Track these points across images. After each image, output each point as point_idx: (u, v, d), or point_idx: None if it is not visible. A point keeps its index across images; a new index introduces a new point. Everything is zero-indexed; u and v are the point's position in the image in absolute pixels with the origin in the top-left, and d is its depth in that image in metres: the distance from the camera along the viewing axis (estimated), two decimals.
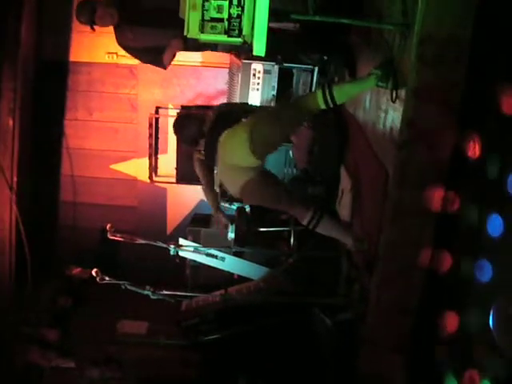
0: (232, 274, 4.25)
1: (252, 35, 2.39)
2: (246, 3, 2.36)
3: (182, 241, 4.02)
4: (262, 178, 2.96)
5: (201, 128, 3.17)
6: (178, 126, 3.37)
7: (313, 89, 4.05)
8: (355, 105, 3.48)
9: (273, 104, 4.09)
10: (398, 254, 2.67)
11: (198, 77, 4.93)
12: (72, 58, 4.92)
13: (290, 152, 4.12)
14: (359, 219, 3.28)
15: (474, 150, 2.33)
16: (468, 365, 2.28)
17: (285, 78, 4.07)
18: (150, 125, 4.61)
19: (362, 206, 3.25)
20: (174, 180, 4.62)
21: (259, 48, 2.40)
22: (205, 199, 3.93)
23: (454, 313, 2.47)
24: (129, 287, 3.24)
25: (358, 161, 3.42)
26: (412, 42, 2.33)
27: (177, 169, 4.53)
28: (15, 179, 4.45)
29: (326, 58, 3.89)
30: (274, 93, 4.09)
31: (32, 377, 4.03)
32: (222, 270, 4.15)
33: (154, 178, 4.75)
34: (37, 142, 4.88)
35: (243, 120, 2.95)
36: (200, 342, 3.93)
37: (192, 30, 2.41)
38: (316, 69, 4.02)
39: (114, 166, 5.21)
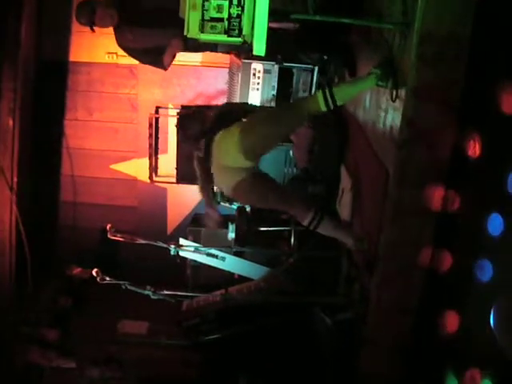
0: (232, 273, 4.26)
1: (252, 35, 2.39)
2: (245, 3, 2.36)
3: (182, 241, 4.03)
4: (255, 179, 2.94)
5: (203, 127, 3.17)
6: (182, 125, 3.36)
7: (313, 88, 4.06)
8: (355, 104, 3.48)
9: (273, 104, 4.09)
10: (397, 253, 2.67)
11: (198, 77, 4.93)
12: (72, 58, 4.92)
13: (290, 151, 4.12)
14: (359, 219, 3.28)
15: (474, 149, 2.32)
16: (469, 364, 2.28)
17: (285, 78, 4.08)
18: (150, 125, 4.61)
19: (362, 206, 3.25)
20: (174, 180, 4.60)
21: (259, 48, 2.40)
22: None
23: (454, 312, 2.47)
24: (129, 287, 3.25)
25: (358, 160, 3.42)
26: (412, 41, 2.33)
27: (177, 169, 4.51)
28: (15, 179, 4.44)
29: (325, 57, 3.89)
30: (274, 92, 4.10)
31: (32, 377, 4.03)
32: (223, 270, 4.16)
33: (154, 178, 4.74)
34: (37, 142, 4.88)
35: (243, 120, 2.95)
36: (201, 342, 3.93)
37: (192, 30, 2.41)
38: (316, 68, 4.03)
39: (114, 166, 5.20)
